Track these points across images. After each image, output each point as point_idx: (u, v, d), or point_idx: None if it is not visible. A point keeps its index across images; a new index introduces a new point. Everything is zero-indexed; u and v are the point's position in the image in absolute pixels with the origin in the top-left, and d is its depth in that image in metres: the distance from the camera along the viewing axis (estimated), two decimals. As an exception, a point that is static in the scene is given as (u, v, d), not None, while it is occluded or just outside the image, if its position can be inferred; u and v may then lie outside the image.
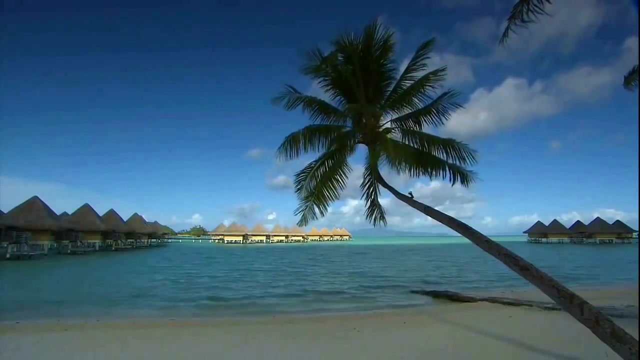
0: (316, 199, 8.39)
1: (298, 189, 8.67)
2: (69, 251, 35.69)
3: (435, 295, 13.26)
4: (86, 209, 41.76)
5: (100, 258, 32.92)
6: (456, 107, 7.56)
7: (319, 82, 8.58)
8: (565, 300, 4.11)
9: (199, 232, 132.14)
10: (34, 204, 33.76)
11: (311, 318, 9.66)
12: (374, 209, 9.07)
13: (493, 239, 5.62)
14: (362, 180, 9.14)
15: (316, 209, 8.46)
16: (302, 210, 8.50)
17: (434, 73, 7.54)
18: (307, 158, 8.76)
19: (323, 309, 11.32)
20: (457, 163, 7.61)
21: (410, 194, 7.16)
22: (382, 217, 9.09)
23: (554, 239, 77.67)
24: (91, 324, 8.60)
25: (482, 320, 8.58)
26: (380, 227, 9.49)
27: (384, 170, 8.20)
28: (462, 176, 7.60)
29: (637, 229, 66.92)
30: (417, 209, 6.90)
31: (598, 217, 73.88)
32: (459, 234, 6.09)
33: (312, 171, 8.70)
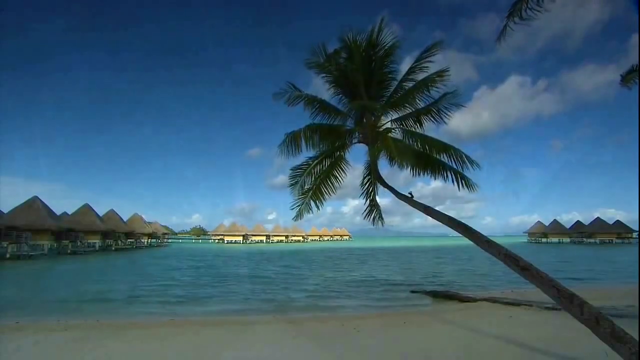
0: (313, 195, 8.42)
1: (292, 184, 8.67)
2: (69, 251, 35.69)
3: (435, 295, 13.26)
4: (86, 209, 41.78)
5: (100, 258, 32.91)
6: (457, 106, 7.55)
7: (322, 80, 8.60)
8: (565, 300, 4.11)
9: (199, 232, 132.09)
10: (34, 204, 33.77)
11: (311, 318, 9.64)
12: (373, 209, 9.07)
13: (493, 239, 5.62)
14: (361, 180, 9.14)
15: (312, 205, 8.48)
16: (299, 205, 8.52)
17: (438, 74, 7.49)
18: (307, 156, 8.80)
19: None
20: (458, 168, 7.60)
21: (410, 194, 7.15)
22: (381, 217, 9.08)
23: (554, 239, 77.66)
24: (91, 324, 8.60)
25: (482, 320, 8.58)
26: (380, 227, 9.48)
27: (384, 170, 8.21)
28: (463, 180, 7.59)
29: (637, 229, 66.93)
30: (418, 209, 6.90)
31: (598, 217, 73.89)
32: (459, 234, 6.09)
33: (310, 168, 8.70)
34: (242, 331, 7.82)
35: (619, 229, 70.18)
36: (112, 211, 47.75)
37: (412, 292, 14.37)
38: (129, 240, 49.72)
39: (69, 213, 41.94)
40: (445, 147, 7.68)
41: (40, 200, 34.71)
